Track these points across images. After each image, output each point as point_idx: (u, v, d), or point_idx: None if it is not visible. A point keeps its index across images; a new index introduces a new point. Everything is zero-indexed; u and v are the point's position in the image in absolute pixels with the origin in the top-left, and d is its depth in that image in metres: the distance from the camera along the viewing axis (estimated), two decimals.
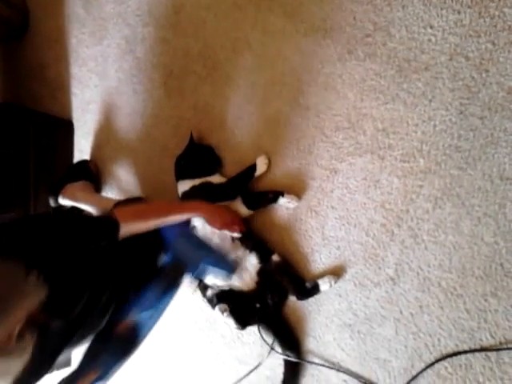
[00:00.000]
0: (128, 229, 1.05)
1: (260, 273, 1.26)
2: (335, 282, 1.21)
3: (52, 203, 1.59)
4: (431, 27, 1.06)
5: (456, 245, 1.06)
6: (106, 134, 1.74)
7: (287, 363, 1.27)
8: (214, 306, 1.29)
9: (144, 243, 1.21)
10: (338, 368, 1.22)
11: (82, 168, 1.71)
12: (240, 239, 1.28)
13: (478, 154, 1.03)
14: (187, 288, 1.43)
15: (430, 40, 1.06)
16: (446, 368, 1.08)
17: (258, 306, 1.26)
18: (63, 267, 0.90)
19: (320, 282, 1.22)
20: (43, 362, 0.93)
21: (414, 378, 1.11)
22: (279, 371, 1.29)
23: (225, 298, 1.28)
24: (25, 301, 0.78)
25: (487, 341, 1.03)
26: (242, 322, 1.27)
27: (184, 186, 1.38)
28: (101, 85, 1.74)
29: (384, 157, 1.14)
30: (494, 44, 0.99)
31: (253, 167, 1.31)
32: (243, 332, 1.40)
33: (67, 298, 0.93)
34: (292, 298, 1.28)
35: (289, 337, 1.29)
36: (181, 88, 1.52)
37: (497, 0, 0.98)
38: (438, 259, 1.08)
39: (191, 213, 1.23)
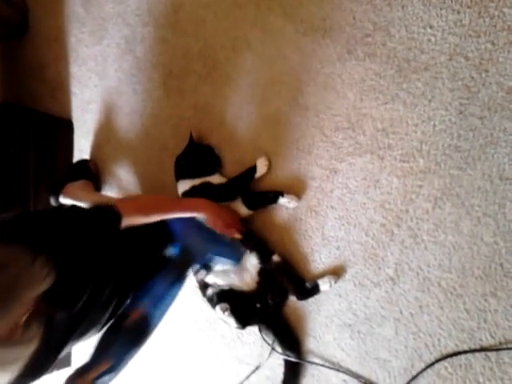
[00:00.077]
0: (129, 221, 1.06)
1: (260, 273, 1.26)
2: (335, 282, 1.21)
3: (53, 202, 1.60)
4: (431, 27, 1.06)
5: (456, 245, 1.06)
6: (105, 134, 1.74)
7: (287, 363, 1.27)
8: (214, 306, 1.29)
9: (147, 236, 1.24)
10: (338, 368, 1.22)
11: (81, 167, 1.71)
12: (240, 240, 1.28)
13: (477, 154, 1.03)
14: (187, 288, 1.43)
15: (429, 40, 1.06)
16: (446, 368, 1.08)
17: (258, 305, 1.26)
18: (70, 254, 0.90)
19: (320, 282, 1.22)
20: (49, 354, 0.94)
21: (414, 378, 1.11)
22: (279, 371, 1.29)
23: (225, 298, 1.28)
24: (32, 287, 0.78)
25: (487, 341, 1.03)
26: (243, 321, 1.27)
27: (184, 185, 1.38)
28: (100, 84, 1.74)
29: (384, 157, 1.14)
30: (493, 44, 0.99)
31: (253, 169, 1.31)
32: (243, 332, 1.40)
33: (72, 290, 0.94)
34: (292, 298, 1.28)
35: (289, 337, 1.29)
36: (180, 88, 1.52)
37: (496, 0, 0.98)
38: (437, 259, 1.08)
39: (194, 211, 1.24)
